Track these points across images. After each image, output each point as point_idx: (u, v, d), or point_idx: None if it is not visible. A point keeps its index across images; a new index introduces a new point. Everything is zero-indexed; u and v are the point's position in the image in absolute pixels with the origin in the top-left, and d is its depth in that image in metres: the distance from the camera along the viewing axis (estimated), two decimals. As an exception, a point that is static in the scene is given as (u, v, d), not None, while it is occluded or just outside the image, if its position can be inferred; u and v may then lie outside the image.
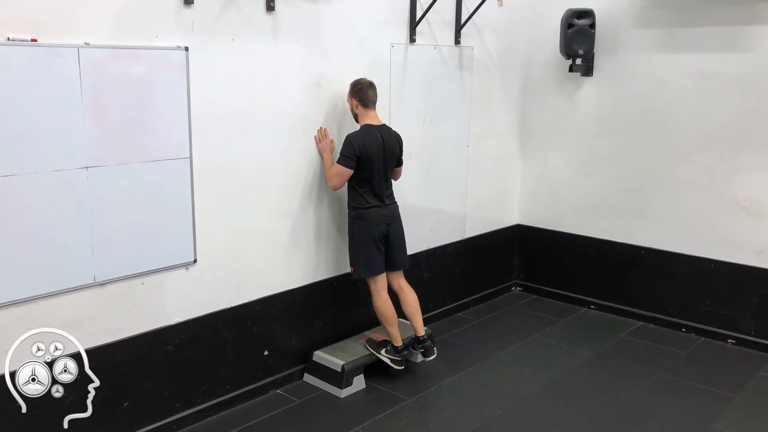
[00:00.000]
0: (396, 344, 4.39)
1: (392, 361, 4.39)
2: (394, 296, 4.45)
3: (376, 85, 4.23)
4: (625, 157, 5.48)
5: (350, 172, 4.10)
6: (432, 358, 4.48)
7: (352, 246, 4.33)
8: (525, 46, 5.88)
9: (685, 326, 5.32)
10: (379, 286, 4.34)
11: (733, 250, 5.03)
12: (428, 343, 4.47)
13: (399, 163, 4.40)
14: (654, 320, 5.47)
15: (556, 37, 5.48)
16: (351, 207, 4.28)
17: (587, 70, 5.53)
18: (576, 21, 5.34)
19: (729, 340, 5.12)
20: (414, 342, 4.48)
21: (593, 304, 5.81)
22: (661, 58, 5.20)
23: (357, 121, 4.27)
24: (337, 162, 4.13)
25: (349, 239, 4.35)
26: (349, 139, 4.10)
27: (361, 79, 4.22)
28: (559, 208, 5.95)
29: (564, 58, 5.51)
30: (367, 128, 4.17)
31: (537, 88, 5.92)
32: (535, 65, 5.89)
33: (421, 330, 4.47)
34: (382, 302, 4.34)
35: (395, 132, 4.33)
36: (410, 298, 4.46)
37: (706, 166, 5.07)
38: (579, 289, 5.89)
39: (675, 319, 5.37)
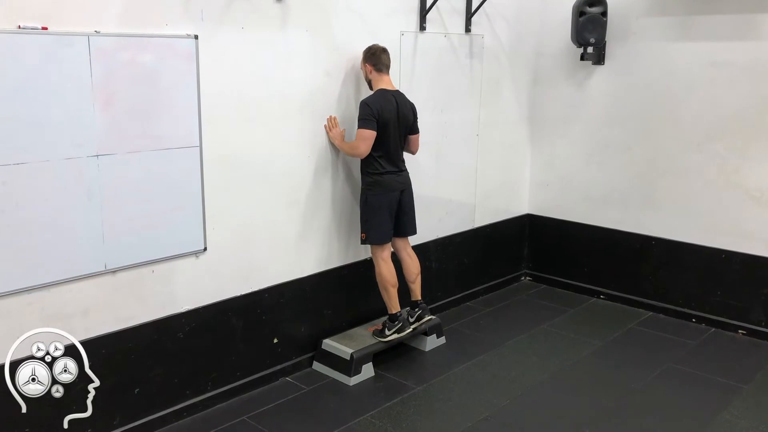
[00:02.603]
0: (393, 311, 4.44)
1: (397, 331, 4.43)
2: (397, 263, 4.51)
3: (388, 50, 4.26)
4: (636, 146, 5.45)
5: (374, 133, 4.12)
6: (427, 318, 4.59)
7: (365, 213, 4.34)
8: (536, 35, 5.84)
9: (695, 317, 5.30)
10: (385, 254, 4.40)
11: (744, 240, 5.00)
12: (423, 304, 4.59)
13: (414, 130, 4.41)
14: (663, 310, 5.45)
15: (567, 26, 5.44)
16: (366, 173, 4.30)
17: (599, 58, 5.49)
18: (588, 9, 5.29)
19: (739, 331, 5.10)
20: (410, 306, 4.58)
21: (602, 294, 5.80)
22: (672, 47, 5.16)
23: (371, 87, 4.29)
24: (359, 127, 4.14)
25: (362, 206, 4.36)
26: (366, 103, 4.12)
27: (373, 44, 4.26)
28: (569, 197, 5.93)
29: (575, 47, 5.47)
30: (381, 92, 4.19)
31: (547, 77, 5.89)
32: (546, 54, 5.86)
33: (418, 295, 4.60)
34: (387, 268, 4.40)
35: (409, 99, 4.35)
36: (414, 264, 4.57)
37: (717, 156, 5.04)
38: (588, 278, 5.88)
39: (685, 310, 5.36)
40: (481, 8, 5.14)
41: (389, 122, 4.16)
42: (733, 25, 4.87)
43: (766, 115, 4.80)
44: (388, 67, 4.25)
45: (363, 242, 4.41)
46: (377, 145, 4.19)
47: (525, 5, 5.65)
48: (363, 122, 4.11)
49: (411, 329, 4.52)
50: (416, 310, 4.57)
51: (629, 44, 5.38)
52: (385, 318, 4.51)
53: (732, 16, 4.86)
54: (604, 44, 5.45)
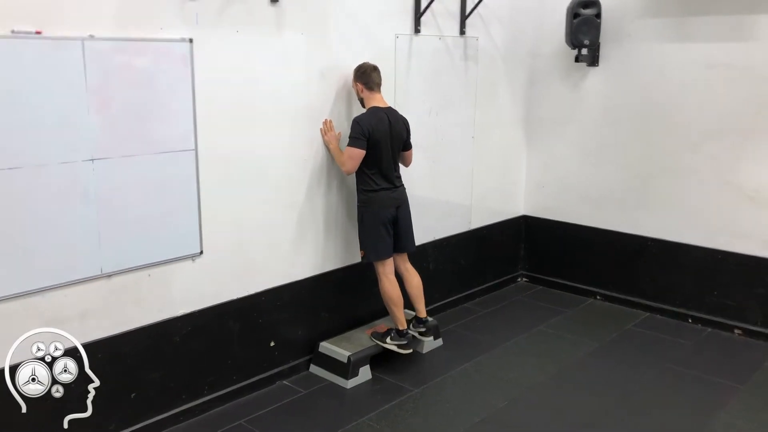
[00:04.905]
0: (400, 327, 4.42)
1: (398, 346, 4.41)
2: (398, 279, 4.49)
3: (379, 68, 4.25)
4: (632, 148, 5.46)
5: (362, 152, 4.12)
6: (429, 339, 4.62)
7: (362, 230, 4.34)
8: (530, 37, 5.86)
9: (692, 317, 5.31)
10: (387, 269, 4.38)
11: (740, 240, 5.01)
12: (429, 323, 4.57)
13: (407, 146, 4.43)
14: (660, 311, 5.46)
15: (561, 28, 5.45)
16: (360, 191, 4.30)
17: (593, 60, 5.51)
18: (582, 11, 5.30)
19: (736, 331, 5.11)
20: (415, 321, 4.56)
21: (599, 294, 5.81)
22: (667, 48, 5.17)
23: (363, 105, 4.29)
24: (348, 145, 4.15)
25: (359, 223, 4.36)
26: (357, 121, 4.13)
27: (364, 63, 4.25)
28: (565, 198, 5.94)
29: (570, 48, 5.49)
30: (374, 110, 4.19)
31: (542, 79, 5.91)
32: (541, 55, 5.87)
33: (423, 312, 4.58)
34: (390, 285, 4.38)
35: (402, 115, 4.35)
36: (415, 281, 4.55)
37: (713, 156, 5.05)
38: (585, 279, 5.89)
39: (681, 310, 5.36)
40: (475, 10, 5.15)
41: (381, 140, 4.15)
42: (727, 27, 4.88)
43: (762, 116, 4.81)
44: (379, 85, 4.24)
45: (363, 259, 4.40)
46: (370, 162, 4.19)
47: (519, 7, 5.66)
48: (352, 140, 4.12)
49: (410, 351, 4.48)
50: (420, 326, 4.57)
51: (624, 46, 5.39)
52: (392, 327, 4.48)
53: (726, 17, 4.88)
54: (599, 46, 5.46)
